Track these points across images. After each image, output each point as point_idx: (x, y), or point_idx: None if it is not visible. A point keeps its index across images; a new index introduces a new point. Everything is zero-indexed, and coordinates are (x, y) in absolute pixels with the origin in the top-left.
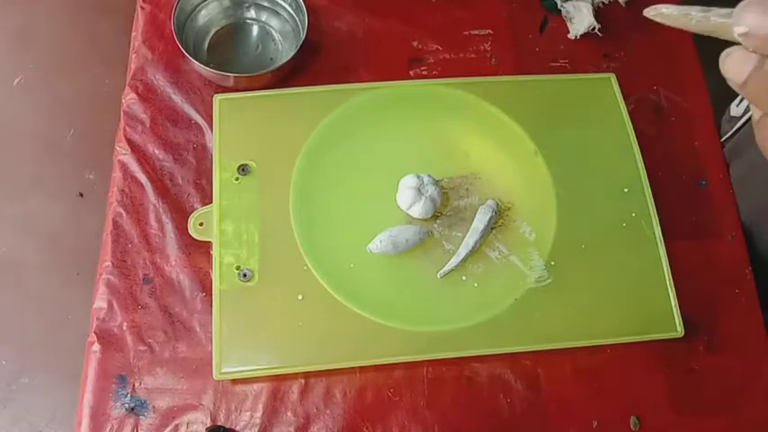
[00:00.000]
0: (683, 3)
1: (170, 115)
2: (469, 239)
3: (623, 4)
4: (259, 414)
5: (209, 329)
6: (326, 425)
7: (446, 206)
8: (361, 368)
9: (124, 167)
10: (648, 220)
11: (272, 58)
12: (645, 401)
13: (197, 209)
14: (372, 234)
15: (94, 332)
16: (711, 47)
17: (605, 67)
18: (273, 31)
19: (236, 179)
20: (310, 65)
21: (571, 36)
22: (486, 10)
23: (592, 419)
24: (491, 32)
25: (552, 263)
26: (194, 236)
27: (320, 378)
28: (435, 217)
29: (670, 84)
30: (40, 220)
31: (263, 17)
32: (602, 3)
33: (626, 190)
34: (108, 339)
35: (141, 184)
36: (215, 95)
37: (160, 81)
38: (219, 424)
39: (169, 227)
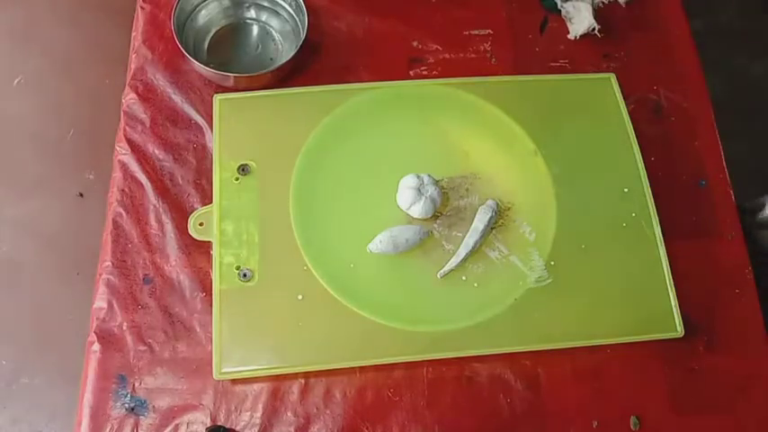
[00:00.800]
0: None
1: (170, 115)
2: (469, 239)
3: (623, 4)
4: (259, 414)
5: (209, 329)
6: (326, 425)
7: (446, 206)
8: (361, 368)
9: (124, 167)
10: (648, 220)
11: (272, 58)
12: (645, 401)
13: (197, 209)
14: (372, 234)
15: (94, 332)
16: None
17: (605, 67)
18: (273, 31)
19: (236, 179)
20: (310, 65)
21: (571, 36)
22: (486, 10)
23: (592, 419)
24: (491, 32)
25: (552, 263)
26: (194, 236)
27: (320, 378)
28: (435, 217)
29: (670, 84)
30: (40, 220)
31: (264, 17)
32: (602, 3)
33: (626, 190)
34: (108, 339)
35: (141, 184)
36: (215, 95)
37: (160, 81)
38: (219, 424)
39: (169, 227)
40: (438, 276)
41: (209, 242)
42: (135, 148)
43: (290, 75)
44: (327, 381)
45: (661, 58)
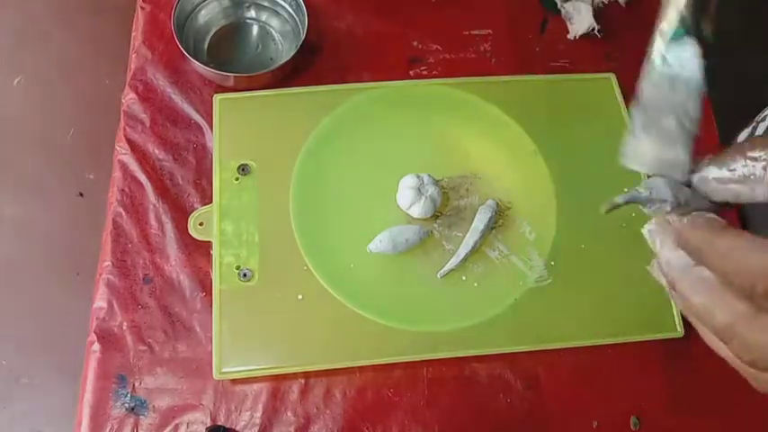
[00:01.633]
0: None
1: (170, 115)
2: (469, 239)
3: (623, 4)
4: (259, 414)
5: (209, 329)
6: (326, 425)
7: (446, 206)
8: (361, 368)
9: (124, 167)
10: (648, 220)
11: (272, 58)
12: (645, 401)
13: (197, 209)
14: (372, 234)
15: (94, 332)
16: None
17: (605, 67)
18: (273, 31)
19: (236, 179)
20: (310, 65)
21: (570, 37)
22: (486, 10)
23: (592, 419)
24: (491, 32)
25: (552, 263)
26: (194, 236)
27: (320, 378)
28: (435, 217)
29: None
30: (40, 219)
31: (263, 17)
32: (602, 3)
33: (626, 190)
34: (108, 339)
35: (141, 183)
36: (215, 95)
37: (160, 81)
38: (219, 424)
39: (169, 227)
40: (438, 276)
41: (210, 242)
42: (135, 148)
43: (290, 75)
44: (327, 381)
45: None
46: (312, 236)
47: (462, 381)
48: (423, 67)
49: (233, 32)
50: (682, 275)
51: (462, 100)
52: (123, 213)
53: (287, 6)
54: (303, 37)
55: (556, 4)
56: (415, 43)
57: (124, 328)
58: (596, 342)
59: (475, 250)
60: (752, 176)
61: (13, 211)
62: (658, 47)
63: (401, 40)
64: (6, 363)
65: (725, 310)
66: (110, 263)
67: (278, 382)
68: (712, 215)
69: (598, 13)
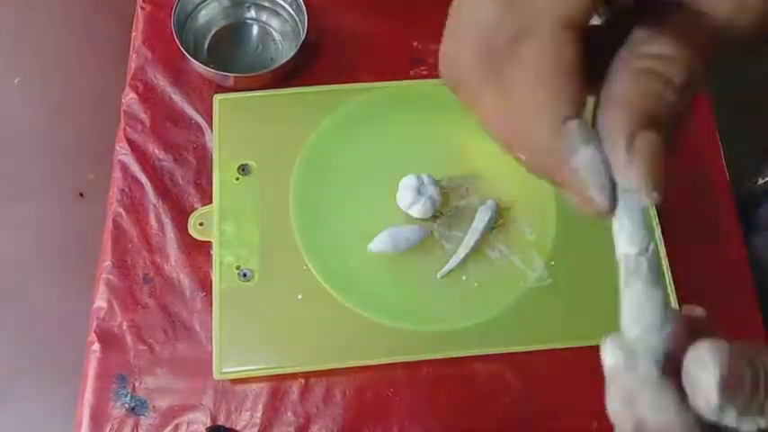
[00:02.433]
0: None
1: (170, 115)
2: (469, 239)
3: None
4: (259, 414)
5: (210, 329)
6: (326, 425)
7: (446, 206)
8: (361, 368)
9: (124, 167)
10: (648, 219)
11: (272, 58)
12: None
13: (197, 209)
14: (372, 234)
15: (94, 332)
16: None
17: None
18: (273, 31)
19: (237, 179)
20: (310, 65)
21: None
22: None
23: (592, 420)
24: None
25: (552, 263)
26: (194, 236)
27: (320, 378)
28: (435, 217)
29: None
30: (40, 220)
31: (264, 17)
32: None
33: None
34: (108, 339)
35: (141, 183)
36: (215, 95)
37: (160, 81)
38: (219, 424)
39: (169, 227)
40: (438, 276)
41: (210, 242)
42: (135, 148)
43: (291, 75)
44: (327, 380)
45: None
46: (312, 236)
47: (462, 381)
48: (423, 67)
49: (233, 32)
50: None
51: None
52: (123, 213)
53: (287, 6)
54: (303, 37)
55: None
56: (415, 43)
57: (124, 327)
58: (596, 342)
59: (475, 250)
60: None
61: (13, 211)
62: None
63: (401, 40)
64: (6, 363)
65: None
66: (110, 263)
67: (278, 382)
68: None
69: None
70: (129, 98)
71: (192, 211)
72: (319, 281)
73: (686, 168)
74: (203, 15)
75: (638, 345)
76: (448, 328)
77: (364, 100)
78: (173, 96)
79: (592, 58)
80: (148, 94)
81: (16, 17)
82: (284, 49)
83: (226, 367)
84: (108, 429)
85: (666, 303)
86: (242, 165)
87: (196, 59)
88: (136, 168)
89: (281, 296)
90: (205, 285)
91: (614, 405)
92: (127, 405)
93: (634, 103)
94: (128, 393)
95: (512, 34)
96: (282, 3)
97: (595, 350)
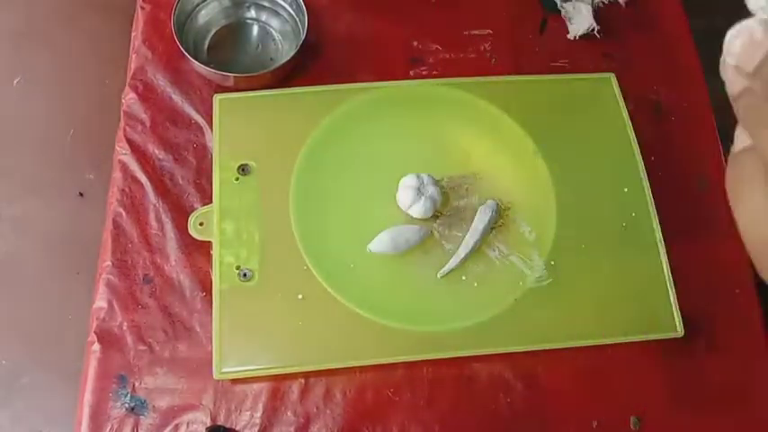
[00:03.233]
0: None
1: (170, 115)
2: (469, 239)
3: (623, 4)
4: (259, 414)
5: (210, 329)
6: (326, 424)
7: (446, 206)
8: (361, 368)
9: (124, 167)
10: (648, 220)
11: (272, 58)
12: (645, 401)
13: (197, 209)
14: (372, 234)
15: (94, 332)
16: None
17: (605, 67)
18: (273, 31)
19: (236, 179)
20: (310, 65)
21: (570, 37)
22: (486, 10)
23: (591, 419)
24: (491, 32)
25: (552, 263)
26: (194, 236)
27: (320, 378)
28: (435, 217)
29: (670, 84)
30: (40, 219)
31: (264, 17)
32: (602, 3)
33: (626, 190)
34: (108, 339)
35: (141, 183)
36: (215, 95)
37: (160, 81)
38: (219, 424)
39: (169, 227)
40: (438, 276)
41: (210, 242)
42: (135, 148)
43: (290, 75)
44: (327, 380)
45: (661, 58)
46: (312, 236)
47: (462, 381)
48: (423, 67)
49: (233, 32)
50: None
51: (462, 100)
52: (123, 213)
53: (287, 6)
54: (303, 37)
55: (556, 4)
56: (415, 43)
57: (124, 327)
58: (596, 342)
59: (475, 250)
60: None
61: (13, 211)
62: None
63: (401, 40)
64: (6, 363)
65: None
66: (110, 263)
67: (278, 381)
68: None
69: (598, 14)
70: (130, 98)
71: (192, 210)
72: (319, 281)
73: (687, 168)
74: (203, 15)
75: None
76: (448, 328)
77: (364, 100)
78: (173, 96)
79: None
80: (148, 94)
81: (16, 17)
82: (284, 49)
83: (226, 367)
84: (108, 429)
85: None
86: (242, 165)
87: (196, 59)
88: (136, 168)
89: (281, 296)
90: (205, 285)
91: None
92: (127, 405)
93: None
94: (128, 393)
95: None
96: (282, 3)
97: (595, 350)
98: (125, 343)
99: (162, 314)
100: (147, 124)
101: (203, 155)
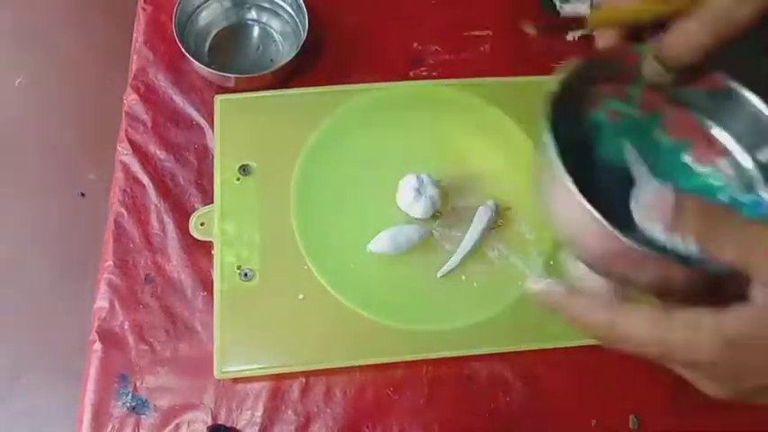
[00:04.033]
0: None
1: (171, 116)
2: (469, 239)
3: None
4: (260, 413)
5: (211, 329)
6: (327, 424)
7: (446, 206)
8: (362, 367)
9: (126, 168)
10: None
11: (272, 59)
12: (644, 401)
13: (198, 209)
14: (372, 234)
15: (96, 332)
16: None
17: None
18: (274, 32)
19: (237, 179)
20: (311, 66)
21: (569, 38)
22: (486, 10)
23: (591, 419)
24: (491, 33)
25: (552, 263)
26: (195, 236)
27: (321, 377)
28: (435, 217)
29: None
30: (40, 219)
31: (264, 18)
32: (601, 3)
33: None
34: (109, 339)
35: (143, 184)
36: (216, 96)
37: (161, 82)
38: (220, 423)
39: (170, 227)
40: (438, 276)
41: (211, 242)
42: (136, 149)
43: (291, 76)
44: (328, 380)
45: None
46: (312, 236)
47: (462, 380)
48: (423, 68)
49: (234, 34)
50: None
51: (462, 100)
52: (125, 213)
53: (287, 7)
54: (303, 38)
55: (555, 5)
56: (415, 44)
57: (125, 327)
58: (596, 342)
59: (475, 250)
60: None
61: (13, 211)
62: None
63: (401, 41)
64: (6, 363)
65: None
66: (111, 263)
67: (279, 381)
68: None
69: None
70: (131, 99)
71: (193, 211)
72: (319, 281)
73: None
74: (204, 17)
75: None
76: (448, 328)
77: (364, 100)
78: (174, 97)
79: None
80: (150, 95)
81: (16, 17)
82: (285, 50)
83: (227, 366)
84: (109, 429)
85: None
86: (243, 165)
87: (197, 60)
88: (137, 169)
89: (282, 296)
90: (206, 285)
91: None
92: (128, 404)
93: None
94: (129, 393)
95: None
96: (283, 4)
97: (595, 349)
98: (126, 342)
99: (163, 314)
100: (149, 125)
101: (204, 155)
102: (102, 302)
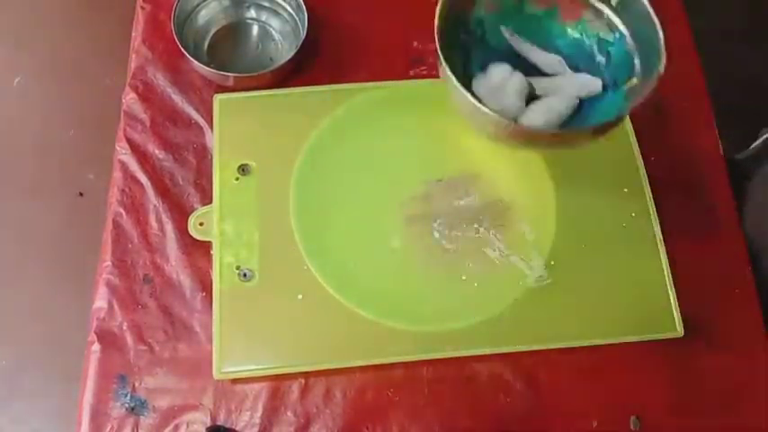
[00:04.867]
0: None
1: (170, 115)
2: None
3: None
4: (259, 414)
5: (210, 329)
6: (326, 424)
7: (446, 206)
8: (361, 368)
9: (124, 167)
10: (648, 220)
11: (271, 58)
12: (645, 401)
13: (197, 209)
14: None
15: (94, 332)
16: (711, 47)
17: None
18: (273, 31)
19: (237, 179)
20: (310, 65)
21: None
22: None
23: (591, 419)
24: None
25: (552, 263)
26: (194, 236)
27: (320, 378)
28: (435, 218)
29: (670, 84)
30: (40, 219)
31: (263, 17)
32: None
33: (626, 190)
34: (108, 339)
35: (141, 183)
36: (215, 95)
37: (160, 81)
38: (219, 424)
39: (169, 227)
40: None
41: (210, 242)
42: (135, 148)
43: (290, 75)
44: (327, 380)
45: None
46: (312, 236)
47: (462, 381)
48: (423, 67)
49: (233, 32)
50: None
51: None
52: (123, 213)
53: (287, 6)
54: (303, 37)
55: None
56: (415, 43)
57: (124, 328)
58: (596, 342)
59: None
60: None
61: (13, 211)
62: None
63: (401, 40)
64: (6, 363)
65: None
66: (110, 263)
67: (278, 381)
68: None
69: None
70: (130, 98)
71: (192, 211)
72: (319, 281)
73: (687, 168)
74: (203, 15)
75: None
76: (448, 328)
77: (364, 100)
78: (173, 96)
79: None
80: (148, 94)
81: (16, 17)
82: (284, 49)
83: (226, 367)
84: (108, 429)
85: None
86: (242, 165)
87: (196, 59)
88: (136, 168)
89: (281, 296)
90: (205, 285)
91: None
92: (127, 405)
93: None
94: (128, 393)
95: None
96: (282, 2)
97: (595, 350)
98: (125, 343)
99: (162, 314)
100: (147, 124)
101: (203, 155)
102: (100, 303)
